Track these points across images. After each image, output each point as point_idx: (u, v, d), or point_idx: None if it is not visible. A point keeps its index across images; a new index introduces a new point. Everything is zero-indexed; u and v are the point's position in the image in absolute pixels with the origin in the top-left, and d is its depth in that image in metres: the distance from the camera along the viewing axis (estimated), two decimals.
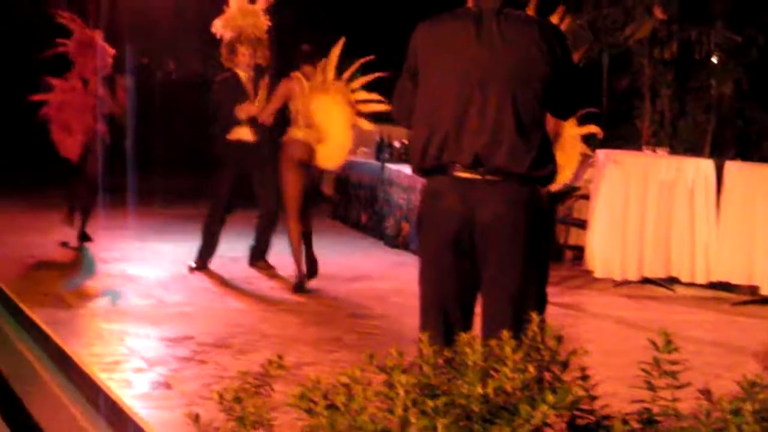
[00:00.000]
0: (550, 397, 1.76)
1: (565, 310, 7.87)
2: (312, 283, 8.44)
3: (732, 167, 8.82)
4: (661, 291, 8.92)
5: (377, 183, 11.41)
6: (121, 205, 11.77)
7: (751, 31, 11.43)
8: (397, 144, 11.57)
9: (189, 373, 5.81)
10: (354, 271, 9.35)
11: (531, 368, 1.88)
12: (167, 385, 5.54)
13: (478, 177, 3.76)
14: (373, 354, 1.88)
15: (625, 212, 8.88)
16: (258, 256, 9.08)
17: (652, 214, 8.87)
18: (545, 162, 3.82)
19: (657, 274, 8.95)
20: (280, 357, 2.00)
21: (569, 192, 9.39)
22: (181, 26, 17.78)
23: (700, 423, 1.81)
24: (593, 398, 1.90)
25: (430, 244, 3.88)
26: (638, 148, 10.16)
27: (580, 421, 1.87)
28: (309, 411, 1.81)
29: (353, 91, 8.38)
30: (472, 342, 1.94)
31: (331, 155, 8.46)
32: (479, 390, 1.81)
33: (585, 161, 8.01)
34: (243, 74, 8.98)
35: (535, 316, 2.03)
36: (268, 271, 8.97)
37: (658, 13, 11.13)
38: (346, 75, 8.36)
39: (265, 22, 9.11)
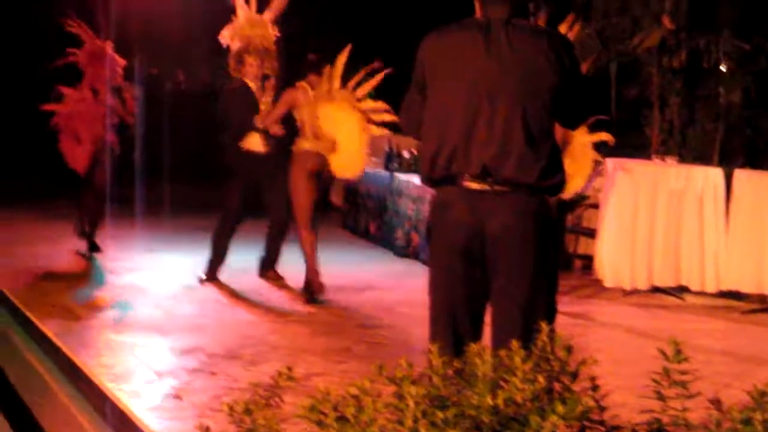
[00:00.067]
0: (560, 408, 1.76)
1: (574, 320, 7.86)
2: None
3: (741, 175, 8.81)
4: (671, 300, 8.90)
5: (386, 193, 11.38)
6: (129, 215, 11.80)
7: (759, 39, 11.44)
8: (406, 154, 11.51)
9: (199, 384, 5.81)
10: (363, 281, 9.34)
11: (541, 379, 1.88)
12: (177, 397, 5.54)
13: (487, 188, 3.76)
14: (382, 365, 1.87)
15: (634, 221, 8.86)
16: (268, 266, 9.08)
17: (662, 222, 8.85)
18: (554, 172, 3.82)
19: (666, 282, 8.93)
20: (289, 368, 2.00)
21: (578, 201, 9.38)
22: (190, 37, 17.83)
23: None
24: (603, 409, 1.90)
25: (440, 253, 3.89)
26: (647, 157, 10.14)
27: None
28: (319, 423, 1.81)
29: (359, 100, 8.38)
30: (481, 352, 1.94)
31: (348, 165, 8.45)
32: (489, 401, 1.81)
33: (595, 169, 8.00)
34: (252, 84, 9.00)
35: (544, 325, 2.03)
36: (278, 281, 8.96)
37: (667, 22, 11.14)
38: (352, 83, 8.37)
39: (273, 32, 9.13)
